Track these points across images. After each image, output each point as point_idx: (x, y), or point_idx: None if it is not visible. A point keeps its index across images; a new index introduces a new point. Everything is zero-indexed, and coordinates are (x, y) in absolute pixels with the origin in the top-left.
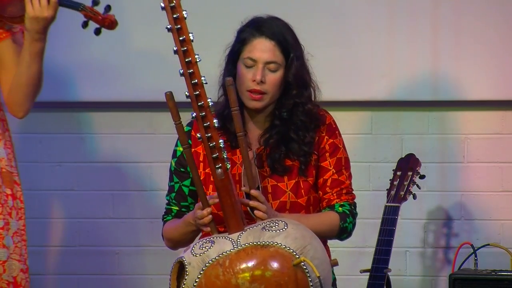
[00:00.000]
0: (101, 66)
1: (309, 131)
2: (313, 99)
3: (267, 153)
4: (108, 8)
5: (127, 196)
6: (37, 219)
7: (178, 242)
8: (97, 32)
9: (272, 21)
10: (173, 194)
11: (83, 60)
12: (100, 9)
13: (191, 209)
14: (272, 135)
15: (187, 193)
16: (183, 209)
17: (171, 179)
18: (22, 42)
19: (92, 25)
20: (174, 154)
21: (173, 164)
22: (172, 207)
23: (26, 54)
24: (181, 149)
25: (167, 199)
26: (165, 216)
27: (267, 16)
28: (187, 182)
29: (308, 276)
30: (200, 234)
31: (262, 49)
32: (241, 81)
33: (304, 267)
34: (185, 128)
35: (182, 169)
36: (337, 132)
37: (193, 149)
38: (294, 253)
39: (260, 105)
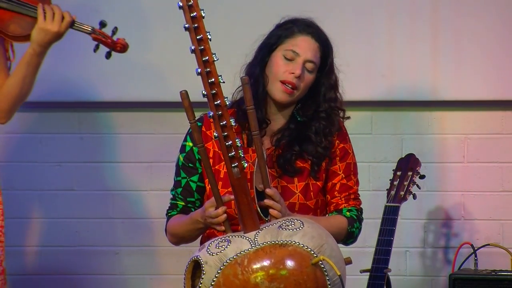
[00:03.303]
0: (101, 67)
1: (327, 136)
2: (340, 108)
3: (278, 153)
4: (115, 30)
5: (127, 196)
6: (37, 219)
7: (183, 239)
8: (108, 56)
9: (318, 26)
10: (180, 189)
11: (83, 60)
12: (107, 30)
13: (197, 205)
14: (284, 136)
15: (194, 189)
16: (189, 205)
17: (178, 174)
18: (5, 45)
19: (103, 48)
20: (183, 149)
21: (181, 159)
22: (178, 202)
23: (23, 65)
24: (190, 144)
25: (172, 194)
26: (169, 211)
27: (311, 19)
28: (195, 178)
29: (326, 274)
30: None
31: (307, 47)
32: (276, 70)
33: (322, 266)
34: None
35: (190, 165)
36: (347, 137)
37: None
38: (312, 252)
39: (288, 99)
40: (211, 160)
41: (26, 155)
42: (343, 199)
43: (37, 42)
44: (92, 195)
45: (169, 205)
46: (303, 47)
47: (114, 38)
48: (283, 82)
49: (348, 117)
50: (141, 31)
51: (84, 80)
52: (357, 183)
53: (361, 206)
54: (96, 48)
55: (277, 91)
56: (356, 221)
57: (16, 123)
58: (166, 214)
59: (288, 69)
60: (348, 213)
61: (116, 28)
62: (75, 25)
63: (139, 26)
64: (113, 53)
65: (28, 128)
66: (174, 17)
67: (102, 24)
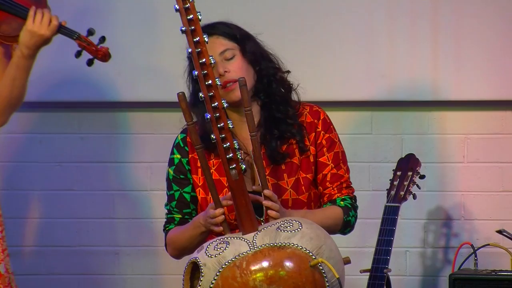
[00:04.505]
0: (101, 66)
1: (288, 102)
2: (280, 68)
3: (264, 149)
4: (102, 39)
5: (127, 196)
6: (37, 219)
7: (185, 249)
8: (89, 63)
9: (207, 24)
10: (174, 203)
11: (82, 60)
12: (94, 39)
13: (193, 215)
14: (263, 128)
15: (189, 200)
16: (186, 216)
17: (170, 188)
18: (9, 55)
19: (86, 55)
20: (171, 162)
21: (171, 172)
22: (174, 216)
23: (13, 67)
24: (178, 156)
25: (167, 209)
26: (167, 226)
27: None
28: (188, 189)
29: (325, 276)
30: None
31: (211, 46)
32: None
33: (321, 268)
34: (179, 135)
35: (181, 176)
36: (332, 126)
37: (190, 155)
38: (311, 254)
39: (239, 93)
40: (199, 170)
41: (26, 155)
42: (335, 189)
43: (24, 44)
44: (92, 195)
45: (165, 219)
46: (209, 49)
47: (99, 46)
48: (223, 87)
49: (288, 71)
50: (140, 32)
51: (84, 80)
52: (347, 171)
53: (354, 193)
54: (78, 55)
55: (227, 95)
56: (351, 209)
57: (16, 123)
58: (164, 230)
59: (216, 75)
60: (342, 202)
61: (103, 37)
62: (62, 29)
63: (139, 27)
64: (95, 60)
65: (28, 128)
66: (173, 18)
67: (90, 32)
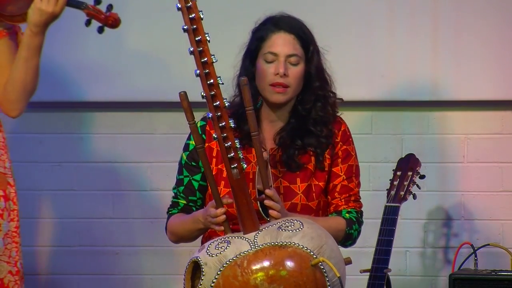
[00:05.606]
0: (101, 66)
1: (327, 125)
2: (335, 93)
3: (281, 152)
4: (110, 7)
5: (127, 196)
6: (37, 219)
7: (182, 238)
8: (100, 30)
9: (288, 17)
10: (182, 188)
11: (83, 60)
12: (102, 8)
13: (198, 204)
14: (287, 133)
15: (196, 188)
16: (190, 203)
17: (180, 172)
18: (18, 43)
19: (95, 24)
20: (186, 148)
21: (184, 157)
22: (179, 201)
23: (24, 48)
24: (194, 143)
25: (174, 192)
26: (170, 209)
27: (281, 14)
28: (197, 177)
29: (326, 275)
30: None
31: (283, 43)
32: (262, 76)
33: (322, 267)
34: (199, 122)
35: (193, 163)
36: (350, 139)
37: (206, 144)
38: (312, 253)
39: (283, 99)
40: (214, 160)
41: (26, 155)
42: (343, 200)
43: (33, 23)
44: (92, 195)
45: (170, 203)
46: (279, 44)
47: (108, 13)
48: (273, 85)
49: (341, 99)
50: (141, 32)
51: (84, 80)
52: (358, 185)
53: (361, 208)
54: (88, 23)
55: (271, 95)
56: (355, 223)
57: (16, 123)
58: (167, 212)
59: (272, 71)
60: (347, 214)
61: (111, 5)
62: (70, 2)
63: (139, 27)
64: (106, 28)
65: (28, 128)
66: (175, 17)
67: (97, 1)
